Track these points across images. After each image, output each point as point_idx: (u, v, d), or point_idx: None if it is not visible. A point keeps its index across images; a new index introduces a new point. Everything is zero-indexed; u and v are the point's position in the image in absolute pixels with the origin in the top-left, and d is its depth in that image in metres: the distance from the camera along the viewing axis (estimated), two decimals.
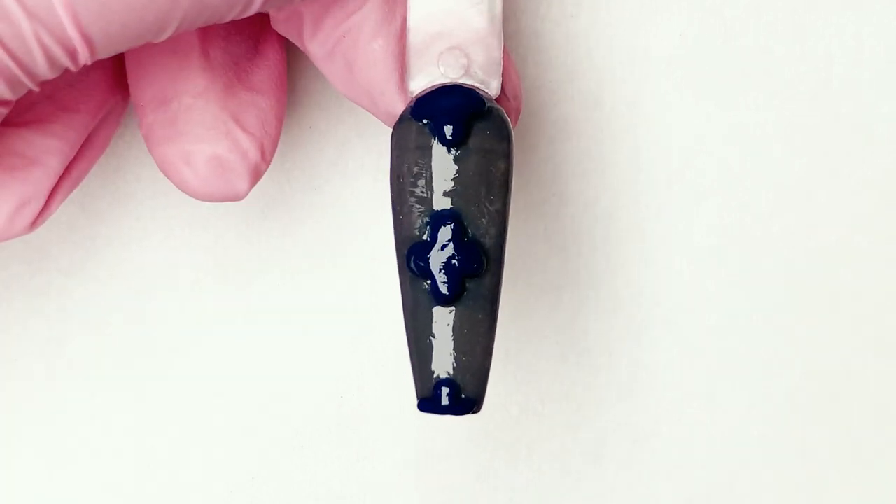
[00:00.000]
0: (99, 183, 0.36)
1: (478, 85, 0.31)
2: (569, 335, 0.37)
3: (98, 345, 0.37)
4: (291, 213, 0.37)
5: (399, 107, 0.31)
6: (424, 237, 0.30)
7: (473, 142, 0.30)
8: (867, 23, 0.37)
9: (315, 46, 0.32)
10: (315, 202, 0.37)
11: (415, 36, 0.31)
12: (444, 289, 0.30)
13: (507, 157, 0.31)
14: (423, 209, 0.30)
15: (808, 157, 0.37)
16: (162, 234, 0.37)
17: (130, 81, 0.33)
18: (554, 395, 0.38)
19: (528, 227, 0.37)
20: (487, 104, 0.31)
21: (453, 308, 0.30)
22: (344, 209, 0.37)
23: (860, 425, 0.38)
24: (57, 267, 0.37)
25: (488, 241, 0.30)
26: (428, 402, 0.30)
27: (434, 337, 0.30)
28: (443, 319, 0.30)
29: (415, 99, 0.31)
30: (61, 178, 0.33)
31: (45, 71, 0.28)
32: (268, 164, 0.33)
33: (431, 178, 0.30)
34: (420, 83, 0.31)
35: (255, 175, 0.33)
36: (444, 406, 0.30)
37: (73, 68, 0.29)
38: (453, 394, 0.30)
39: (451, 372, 0.30)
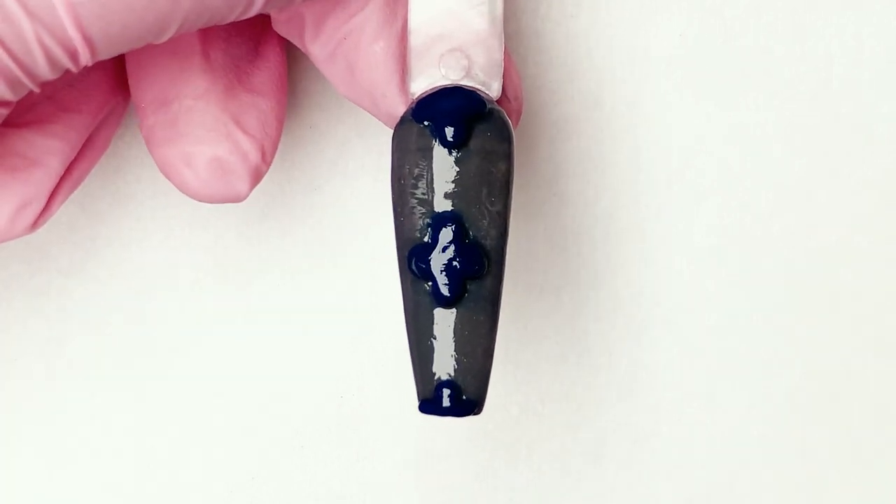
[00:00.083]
0: (99, 183, 0.36)
1: (479, 86, 0.31)
2: (569, 335, 0.37)
3: (98, 345, 0.37)
4: (291, 213, 0.37)
5: (400, 108, 0.31)
6: (425, 239, 0.30)
7: (474, 143, 0.30)
8: (867, 23, 0.37)
9: (316, 48, 0.32)
10: (315, 202, 0.37)
11: (416, 38, 0.31)
12: (445, 290, 0.30)
13: (508, 158, 0.31)
14: (424, 211, 0.30)
15: (808, 157, 0.37)
16: (162, 235, 0.37)
17: (131, 83, 0.33)
18: (554, 395, 0.38)
19: (528, 227, 0.37)
20: (488, 106, 0.31)
21: (454, 310, 0.30)
22: (344, 209, 0.37)
23: (860, 425, 0.38)
24: (57, 267, 0.37)
25: (489, 243, 0.30)
26: (429, 404, 0.30)
27: (435, 338, 0.30)
28: (444, 321, 0.30)
29: (416, 101, 0.31)
30: (62, 178, 0.33)
31: (45, 72, 0.28)
32: (268, 165, 0.33)
33: (432, 179, 0.30)
34: (421, 85, 0.31)
35: (256, 177, 0.33)
36: (446, 407, 0.30)
37: (73, 69, 0.29)
38: (454, 395, 0.30)
39: (453, 373, 0.30)
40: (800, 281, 0.37)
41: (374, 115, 0.33)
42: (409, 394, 0.31)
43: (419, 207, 0.30)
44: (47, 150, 0.32)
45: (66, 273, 0.37)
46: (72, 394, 0.37)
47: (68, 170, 0.33)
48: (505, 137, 0.31)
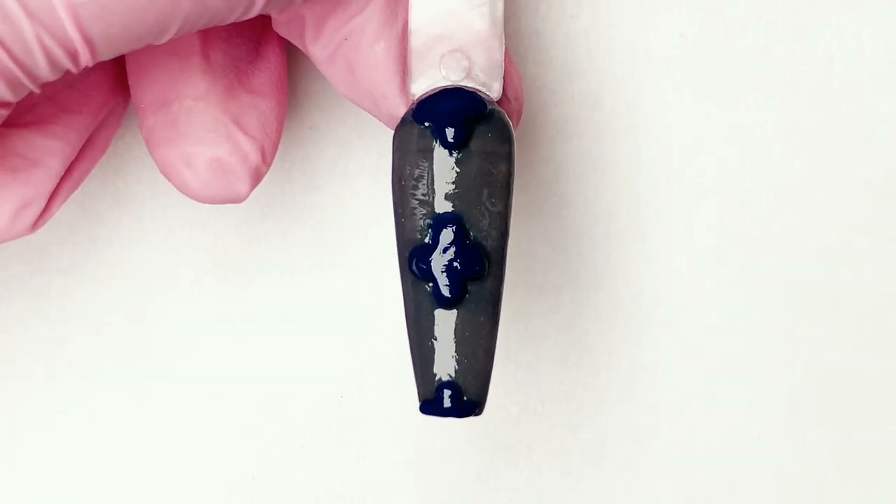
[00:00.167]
0: (99, 184, 0.36)
1: (479, 87, 0.31)
2: (569, 335, 0.37)
3: (98, 345, 0.37)
4: (291, 213, 0.37)
5: (401, 109, 0.31)
6: (426, 240, 0.30)
7: (475, 144, 0.30)
8: (867, 23, 0.37)
9: (317, 49, 0.32)
10: (315, 202, 0.37)
11: (416, 39, 0.31)
12: (445, 291, 0.30)
13: (509, 159, 0.31)
14: (424, 212, 0.30)
15: (808, 157, 0.37)
16: (162, 235, 0.37)
17: (131, 83, 0.33)
18: (554, 395, 0.38)
19: (529, 228, 0.37)
20: (489, 107, 0.31)
21: (455, 310, 0.30)
22: (344, 209, 0.37)
23: (860, 425, 0.38)
24: (57, 267, 0.37)
25: (490, 244, 0.30)
26: (430, 405, 0.30)
27: (436, 339, 0.30)
28: (445, 322, 0.30)
29: (416, 102, 0.31)
30: (62, 179, 0.33)
31: (46, 72, 0.28)
32: (268, 166, 0.33)
33: (433, 180, 0.30)
34: (422, 86, 0.31)
35: (256, 177, 0.33)
36: (447, 408, 0.30)
37: (73, 70, 0.29)
38: (455, 396, 0.30)
39: (453, 374, 0.30)
40: (800, 281, 0.37)
41: (374, 116, 0.33)
42: (409, 394, 0.31)
43: (420, 208, 0.30)
44: (47, 150, 0.32)
45: (66, 273, 0.37)
46: (72, 394, 0.37)
47: (68, 170, 0.33)
48: (505, 138, 0.31)
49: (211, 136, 0.32)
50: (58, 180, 0.32)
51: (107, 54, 0.29)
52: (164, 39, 0.29)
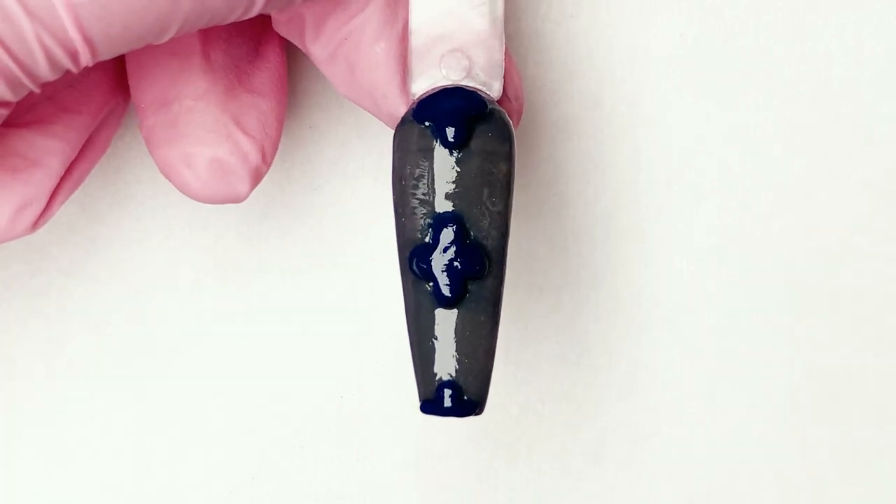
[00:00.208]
0: (99, 184, 0.36)
1: (479, 87, 0.31)
2: (569, 335, 0.37)
3: (98, 345, 0.37)
4: (291, 213, 0.37)
5: (401, 109, 0.31)
6: (426, 239, 0.30)
7: (475, 144, 0.30)
8: (867, 23, 0.37)
9: (317, 49, 0.32)
10: (315, 202, 0.37)
11: (416, 38, 0.31)
12: (446, 291, 0.30)
13: (509, 158, 0.31)
14: (425, 211, 0.30)
15: (808, 157, 0.37)
16: (162, 235, 0.37)
17: (131, 83, 0.33)
18: (554, 395, 0.38)
19: (529, 228, 0.37)
20: (489, 106, 0.31)
21: (455, 310, 0.30)
22: (344, 209, 0.37)
23: (860, 425, 0.38)
24: (57, 267, 0.37)
25: (490, 243, 0.30)
26: (430, 404, 0.30)
27: (436, 339, 0.30)
28: (445, 322, 0.30)
29: (417, 101, 0.31)
30: (62, 179, 0.33)
31: (46, 72, 0.28)
32: (268, 166, 0.33)
33: (433, 180, 0.30)
34: (422, 85, 0.31)
35: (256, 177, 0.33)
36: (447, 408, 0.30)
37: (74, 70, 0.29)
38: (456, 396, 0.30)
39: (454, 374, 0.30)
40: (800, 281, 0.37)
41: (374, 116, 0.33)
42: (409, 394, 0.31)
43: (420, 208, 0.30)
44: (47, 150, 0.32)
45: (66, 273, 0.37)
46: (72, 394, 0.37)
47: (68, 170, 0.33)
48: (506, 138, 0.31)
49: (211, 136, 0.32)
50: (58, 180, 0.32)
51: (107, 54, 0.29)
52: (164, 39, 0.29)
